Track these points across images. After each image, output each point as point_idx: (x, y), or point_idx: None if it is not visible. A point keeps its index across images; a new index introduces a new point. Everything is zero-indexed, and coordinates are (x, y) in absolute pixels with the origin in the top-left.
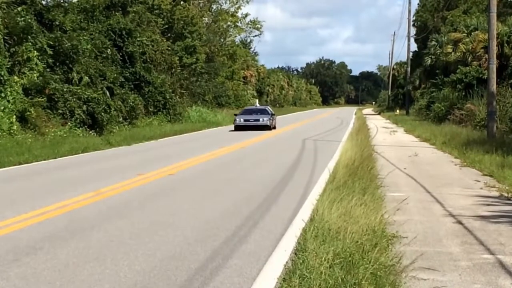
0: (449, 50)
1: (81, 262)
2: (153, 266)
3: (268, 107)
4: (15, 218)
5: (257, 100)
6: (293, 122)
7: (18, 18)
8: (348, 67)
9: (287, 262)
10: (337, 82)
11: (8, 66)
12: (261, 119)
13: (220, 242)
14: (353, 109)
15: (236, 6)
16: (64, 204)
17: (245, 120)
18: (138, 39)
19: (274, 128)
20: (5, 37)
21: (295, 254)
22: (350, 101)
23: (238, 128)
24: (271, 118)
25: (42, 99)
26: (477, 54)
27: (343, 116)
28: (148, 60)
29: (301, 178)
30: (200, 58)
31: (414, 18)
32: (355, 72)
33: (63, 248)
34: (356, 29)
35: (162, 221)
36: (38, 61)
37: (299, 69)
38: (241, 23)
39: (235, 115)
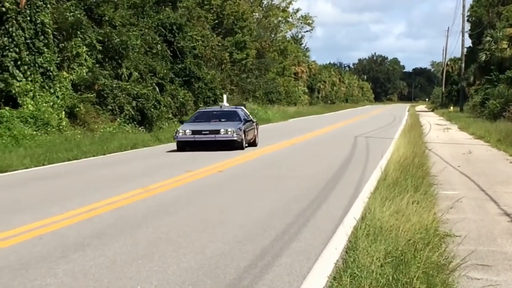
0: (505, 46)
1: (129, 259)
2: (202, 264)
3: (243, 109)
4: (63, 215)
5: (224, 96)
6: (344, 119)
7: (68, 14)
8: (401, 63)
9: (337, 261)
10: (390, 79)
11: (57, 62)
12: (222, 131)
13: (270, 240)
14: (405, 106)
15: (287, 1)
16: (112, 201)
17: (194, 132)
18: (188, 34)
19: (253, 144)
20: (55, 33)
21: (346, 252)
22: (402, 98)
23: (182, 145)
24: (245, 129)
25: (92, 95)
26: None
27: (396, 113)
28: (199, 55)
29: (352, 175)
30: (251, 54)
31: (468, 13)
32: (408, 68)
33: (111, 245)
34: (408, 24)
35: (210, 219)
36: (87, 56)
37: (351, 65)
38: (292, 18)
39: (181, 122)
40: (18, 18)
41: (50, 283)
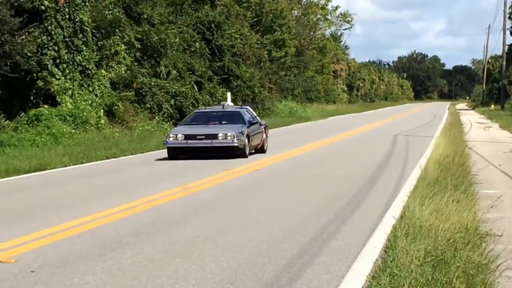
0: None
1: (167, 257)
2: (240, 263)
3: (249, 109)
4: (101, 213)
5: (228, 95)
6: (383, 117)
7: (106, 12)
8: (441, 61)
9: (376, 260)
10: (430, 77)
11: (96, 60)
12: (221, 135)
13: (308, 239)
14: (446, 104)
15: None
16: (150, 199)
17: (187, 137)
18: (227, 32)
19: (260, 151)
20: (93, 31)
21: (385, 251)
22: (443, 96)
23: (174, 153)
24: (249, 133)
25: (130, 93)
26: None
27: (436, 111)
28: (237, 53)
29: (392, 174)
30: (290, 52)
31: (510, 11)
32: (448, 66)
33: (149, 243)
34: (448, 22)
35: (248, 217)
36: (125, 54)
37: (390, 63)
38: (331, 16)
39: (175, 125)
40: (57, 17)
41: (88, 281)
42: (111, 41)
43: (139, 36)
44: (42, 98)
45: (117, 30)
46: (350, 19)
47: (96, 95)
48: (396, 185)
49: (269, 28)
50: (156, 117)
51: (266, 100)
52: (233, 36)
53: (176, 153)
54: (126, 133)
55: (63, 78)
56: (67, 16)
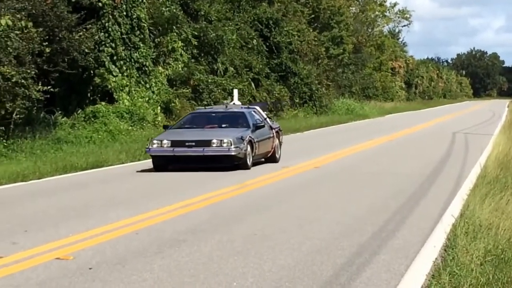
0: None
1: (224, 255)
2: (298, 261)
3: (258, 110)
4: (159, 210)
5: (235, 92)
6: (442, 115)
7: (163, 8)
8: (501, 58)
9: (436, 259)
10: (489, 74)
11: (153, 57)
12: (215, 141)
13: (367, 237)
14: (505, 101)
15: None
16: (208, 197)
17: (174, 144)
18: (285, 29)
19: (271, 159)
20: (150, 28)
21: (445, 250)
22: (502, 94)
23: (159, 162)
24: (252, 139)
25: (187, 90)
26: None
27: (495, 109)
28: (294, 50)
29: (451, 172)
30: (347, 49)
31: None
32: (508, 63)
33: (206, 241)
34: (508, 19)
35: (307, 215)
36: (182, 51)
37: (449, 60)
38: (389, 12)
39: (165, 127)
40: (114, 13)
41: (146, 278)
42: (168, 38)
43: (196, 33)
44: (99, 95)
45: (174, 27)
46: (408, 15)
47: (153, 92)
48: (455, 183)
49: (326, 25)
50: None
51: (324, 98)
52: (291, 33)
53: (161, 163)
54: None
55: (120, 75)
56: (124, 13)
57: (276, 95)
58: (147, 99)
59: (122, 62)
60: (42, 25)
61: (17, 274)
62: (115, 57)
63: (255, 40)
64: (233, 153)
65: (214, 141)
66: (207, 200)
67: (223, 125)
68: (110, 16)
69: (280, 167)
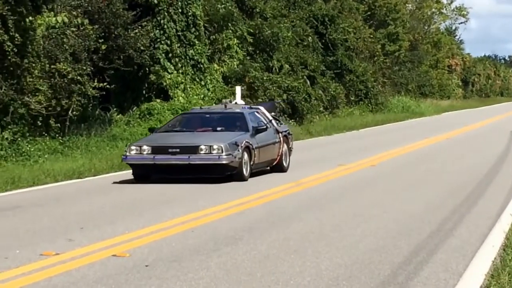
0: None
1: (281, 253)
2: (355, 259)
3: (262, 110)
4: (214, 208)
5: (237, 90)
6: (499, 113)
7: (219, 6)
8: None
9: (495, 258)
10: None
11: (208, 54)
12: (203, 148)
13: (424, 236)
14: None
15: None
16: (263, 195)
17: (155, 150)
18: (340, 26)
19: (277, 168)
20: (206, 25)
21: (504, 250)
22: None
23: (138, 172)
24: (250, 145)
25: (242, 88)
26: None
27: None
28: (350, 47)
29: (509, 170)
30: (403, 46)
31: None
32: None
33: (263, 239)
34: None
35: (363, 213)
36: (238, 49)
37: (506, 58)
38: (446, 9)
39: (151, 130)
40: (170, 11)
41: (202, 276)
42: (224, 35)
43: (252, 30)
44: (154, 92)
45: (229, 24)
46: (465, 12)
47: (208, 89)
48: None
49: (382, 22)
50: None
51: (380, 95)
52: (346, 30)
53: (141, 173)
54: None
55: (175, 72)
56: (180, 10)
57: (332, 92)
58: (202, 96)
59: (177, 59)
60: (98, 22)
61: (74, 271)
62: (170, 54)
63: (310, 37)
64: (224, 162)
65: (202, 147)
66: (262, 198)
67: (218, 128)
68: (166, 13)
69: (336, 165)
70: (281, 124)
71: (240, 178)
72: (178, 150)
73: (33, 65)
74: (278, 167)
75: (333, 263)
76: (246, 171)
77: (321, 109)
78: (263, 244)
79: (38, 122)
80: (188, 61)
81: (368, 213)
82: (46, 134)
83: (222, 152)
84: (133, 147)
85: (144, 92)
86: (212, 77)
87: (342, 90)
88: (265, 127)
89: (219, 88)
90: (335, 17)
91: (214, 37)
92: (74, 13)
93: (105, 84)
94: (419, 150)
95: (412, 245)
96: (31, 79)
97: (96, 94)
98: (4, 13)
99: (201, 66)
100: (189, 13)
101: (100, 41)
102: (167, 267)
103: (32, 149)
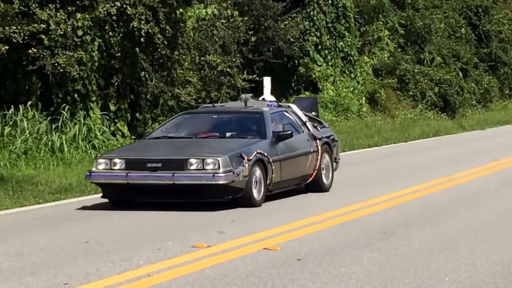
0: None
1: (435, 249)
2: None
3: (293, 109)
4: (366, 202)
5: (266, 81)
6: None
7: None
8: None
9: None
10: None
11: (358, 46)
12: (193, 161)
13: None
14: None
15: None
16: (416, 189)
17: (129, 165)
18: (495, 17)
19: (312, 186)
20: (356, 16)
21: None
22: None
23: (107, 192)
24: (265, 157)
25: (393, 80)
26: None
27: None
28: (505, 39)
29: None
30: None
31: None
32: None
33: (416, 234)
34: None
35: None
36: (389, 40)
37: None
38: None
39: (140, 136)
40: (320, 2)
41: (355, 271)
42: (374, 26)
43: (403, 22)
44: (303, 85)
45: (380, 16)
46: None
47: (358, 82)
48: None
49: None
50: (419, 105)
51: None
52: (501, 22)
53: (111, 194)
54: (388, 121)
55: (324, 64)
56: (330, 2)
57: (485, 85)
58: (352, 89)
59: (326, 52)
60: (248, 14)
61: (226, 263)
62: (319, 46)
63: (463, 29)
64: (221, 182)
65: (192, 160)
66: (415, 193)
67: (228, 134)
68: (316, 5)
69: (490, 160)
70: (322, 127)
71: (248, 203)
72: (159, 164)
73: (183, 57)
74: (314, 186)
75: (489, 260)
76: (258, 194)
77: (474, 102)
78: (416, 239)
79: None
80: (338, 53)
81: None
82: None
83: (219, 167)
84: (101, 160)
85: (293, 84)
86: (362, 70)
87: (496, 83)
88: (290, 132)
89: (369, 80)
90: (489, 8)
91: (364, 28)
92: (224, 4)
93: (254, 76)
94: None
95: None
96: (181, 71)
97: (245, 86)
98: (155, 6)
99: (351, 58)
100: (339, 5)
101: (250, 33)
102: (319, 261)
103: None
